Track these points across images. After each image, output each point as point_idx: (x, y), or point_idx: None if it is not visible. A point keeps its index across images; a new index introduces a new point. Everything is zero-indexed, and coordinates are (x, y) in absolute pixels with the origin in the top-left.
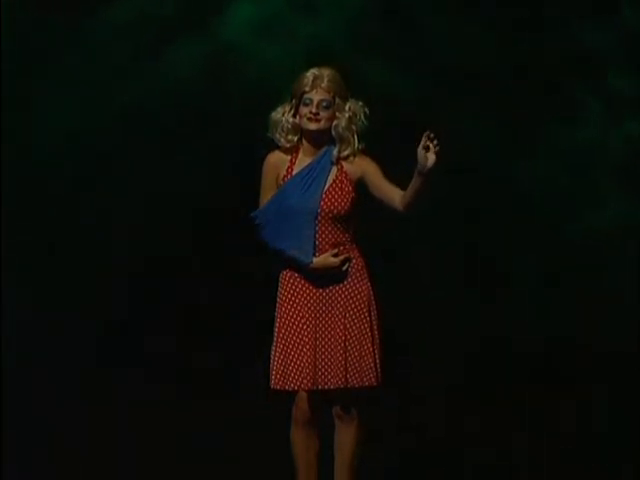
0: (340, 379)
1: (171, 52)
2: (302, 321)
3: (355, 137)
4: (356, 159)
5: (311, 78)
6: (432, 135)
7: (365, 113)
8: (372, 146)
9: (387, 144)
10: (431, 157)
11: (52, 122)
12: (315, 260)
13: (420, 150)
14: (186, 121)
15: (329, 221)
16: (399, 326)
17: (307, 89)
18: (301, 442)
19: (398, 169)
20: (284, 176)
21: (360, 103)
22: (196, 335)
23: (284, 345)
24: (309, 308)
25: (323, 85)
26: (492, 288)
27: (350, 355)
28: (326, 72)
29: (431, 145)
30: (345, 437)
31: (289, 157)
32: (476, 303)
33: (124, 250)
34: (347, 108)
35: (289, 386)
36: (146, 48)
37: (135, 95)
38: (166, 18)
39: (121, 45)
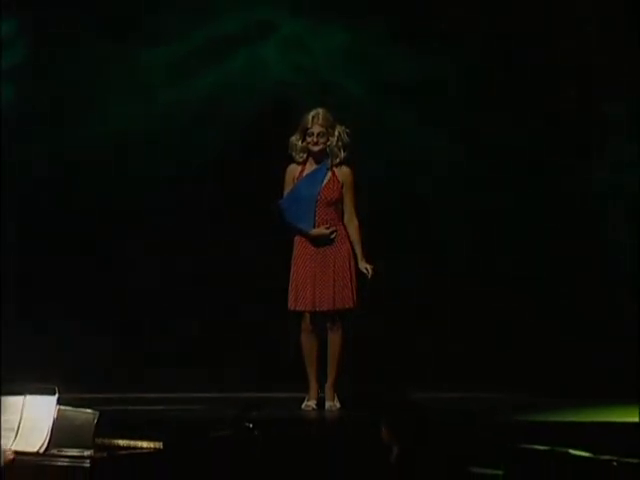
0: (330, 303)
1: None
2: (307, 268)
3: (342, 150)
4: (343, 167)
5: (310, 118)
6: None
7: (347, 133)
8: None
9: None
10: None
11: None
12: (313, 230)
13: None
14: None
15: (324, 205)
16: None
17: (309, 125)
18: (307, 345)
19: None
20: (297, 177)
21: (343, 127)
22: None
23: (296, 282)
24: (311, 260)
25: (319, 122)
26: None
27: (337, 288)
28: (320, 112)
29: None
30: (333, 341)
31: (300, 167)
32: None
33: None
34: (336, 133)
35: (299, 308)
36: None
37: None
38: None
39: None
